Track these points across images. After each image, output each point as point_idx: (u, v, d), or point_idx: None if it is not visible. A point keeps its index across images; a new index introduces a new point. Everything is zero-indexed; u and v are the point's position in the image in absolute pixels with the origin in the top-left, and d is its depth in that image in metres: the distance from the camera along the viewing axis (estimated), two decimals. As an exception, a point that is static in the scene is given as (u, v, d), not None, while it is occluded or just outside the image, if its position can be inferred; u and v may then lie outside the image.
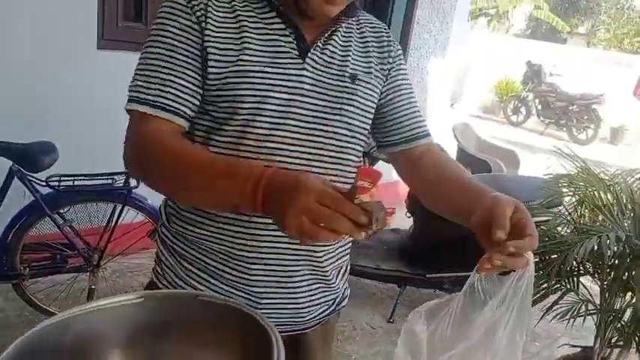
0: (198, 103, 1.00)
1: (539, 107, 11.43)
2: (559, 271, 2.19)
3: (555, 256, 2.15)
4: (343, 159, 1.07)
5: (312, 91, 1.03)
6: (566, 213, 2.65)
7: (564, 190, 2.70)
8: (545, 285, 2.18)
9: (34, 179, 2.41)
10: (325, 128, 1.03)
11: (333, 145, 1.05)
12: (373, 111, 1.12)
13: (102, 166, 2.58)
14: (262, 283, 1.05)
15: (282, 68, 1.00)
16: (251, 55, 0.98)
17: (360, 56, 1.11)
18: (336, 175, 1.06)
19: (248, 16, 1.00)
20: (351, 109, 1.06)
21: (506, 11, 23.09)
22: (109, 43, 3.11)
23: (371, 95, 1.10)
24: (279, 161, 0.99)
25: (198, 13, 0.97)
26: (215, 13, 0.98)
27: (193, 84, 0.98)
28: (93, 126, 3.01)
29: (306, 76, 1.02)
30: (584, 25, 31.68)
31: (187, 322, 0.82)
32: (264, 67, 0.98)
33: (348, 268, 1.26)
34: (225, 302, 0.84)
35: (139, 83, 0.97)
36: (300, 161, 1.01)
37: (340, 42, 1.09)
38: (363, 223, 0.75)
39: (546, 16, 22.22)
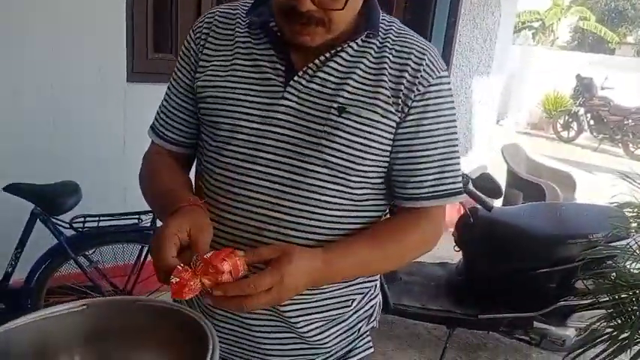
0: (190, 129, 1.07)
1: (592, 122, 10.89)
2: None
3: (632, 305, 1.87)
4: (319, 200, 0.94)
5: (289, 122, 0.93)
6: (637, 248, 2.36)
7: (634, 222, 2.42)
8: (623, 336, 1.90)
9: (57, 221, 2.31)
10: (299, 164, 0.93)
11: (308, 184, 0.93)
12: (373, 150, 0.94)
13: (128, 205, 2.47)
14: (224, 320, 1.02)
15: (259, 97, 0.95)
16: (233, 82, 0.97)
17: (366, 85, 0.94)
18: (309, 218, 0.94)
19: (243, 42, 0.99)
20: (332, 145, 0.92)
21: (551, 24, 22.54)
22: (138, 75, 3.02)
23: (366, 132, 0.93)
24: (246, 195, 0.94)
25: (200, 42, 1.02)
26: (214, 40, 1.02)
27: (185, 112, 1.06)
28: (120, 163, 2.91)
29: (285, 106, 0.94)
30: (633, 35, 30.76)
31: (129, 325, 0.86)
32: (242, 94, 0.95)
33: (353, 329, 1.10)
34: (162, 305, 0.86)
35: (157, 110, 1.11)
36: (268, 198, 0.94)
37: (341, 67, 0.95)
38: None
39: (593, 27, 21.59)
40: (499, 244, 2.83)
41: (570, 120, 11.21)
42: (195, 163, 1.12)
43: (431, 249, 1.05)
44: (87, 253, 2.41)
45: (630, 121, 10.09)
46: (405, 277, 3.05)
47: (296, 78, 0.94)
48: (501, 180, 3.41)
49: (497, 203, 3.86)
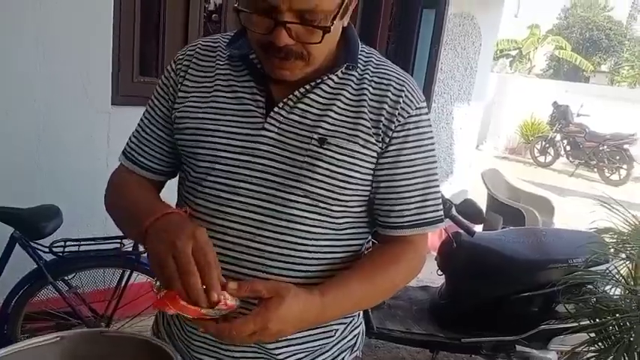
0: (162, 156, 1.07)
1: (568, 148, 11.16)
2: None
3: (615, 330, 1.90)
4: (301, 230, 0.94)
5: (270, 152, 0.94)
6: (616, 273, 2.40)
7: (612, 247, 2.47)
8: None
9: (37, 246, 2.26)
10: (280, 194, 0.93)
11: (289, 214, 0.93)
12: (354, 180, 0.95)
13: (109, 229, 2.44)
14: (204, 352, 1.02)
15: (240, 127, 0.95)
16: (212, 114, 0.97)
17: (346, 116, 0.95)
18: (290, 249, 0.94)
19: (224, 75, 1.00)
20: (313, 175, 0.92)
21: (527, 52, 23.13)
22: (123, 98, 3.01)
23: (347, 162, 0.93)
24: (227, 227, 0.94)
25: (180, 73, 1.03)
26: (195, 72, 1.02)
27: (159, 140, 1.06)
28: (101, 187, 2.87)
29: (265, 137, 0.94)
30: (607, 63, 31.77)
31: (100, 354, 0.90)
32: (222, 125, 0.96)
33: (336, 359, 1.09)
34: (127, 335, 0.92)
35: (130, 135, 1.11)
36: (248, 228, 0.94)
37: (321, 99, 0.95)
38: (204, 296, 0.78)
39: (569, 56, 22.20)
40: (481, 268, 2.85)
41: (547, 145, 11.45)
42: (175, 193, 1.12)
43: (416, 275, 1.06)
44: (66, 277, 2.36)
45: (605, 147, 10.34)
46: (388, 300, 3.04)
47: (276, 109, 0.95)
48: (481, 204, 3.44)
49: (478, 227, 3.90)
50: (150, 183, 1.10)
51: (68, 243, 2.29)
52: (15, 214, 2.18)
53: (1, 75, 2.52)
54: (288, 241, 0.94)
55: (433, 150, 1.00)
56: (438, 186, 1.02)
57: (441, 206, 1.03)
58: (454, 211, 2.65)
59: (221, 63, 1.01)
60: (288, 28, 0.84)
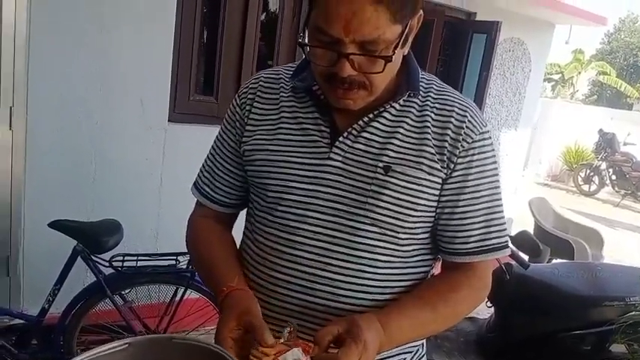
0: (236, 190, 1.10)
1: (614, 177, 10.83)
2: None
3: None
4: (370, 258, 0.95)
5: (337, 181, 0.95)
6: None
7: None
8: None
9: (97, 260, 2.32)
10: (348, 223, 0.94)
11: (357, 242, 0.94)
12: (420, 207, 0.95)
13: (160, 244, 2.48)
14: None
15: (307, 158, 0.97)
16: (280, 145, 0.99)
17: (410, 143, 0.95)
18: (359, 277, 0.95)
19: (288, 107, 1.02)
20: (380, 203, 0.93)
21: (570, 77, 22.70)
22: (179, 116, 3.08)
23: (412, 190, 0.94)
24: (298, 255, 0.96)
25: (246, 107, 1.06)
26: (260, 105, 1.05)
27: (230, 174, 1.09)
28: (155, 202, 2.94)
29: (332, 166, 0.96)
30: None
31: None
32: (290, 156, 0.98)
33: None
34: (195, 343, 0.91)
35: (201, 169, 1.14)
36: (317, 257, 0.95)
37: (384, 127, 0.97)
38: None
39: (613, 82, 21.71)
40: (534, 302, 2.78)
41: (592, 174, 11.15)
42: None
43: (480, 303, 1.05)
44: (123, 292, 2.41)
45: (653, 178, 10.02)
46: (436, 331, 2.98)
47: (341, 139, 0.96)
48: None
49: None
50: (224, 221, 1.14)
51: (127, 258, 2.33)
52: (79, 227, 2.24)
53: (60, 91, 2.60)
54: (356, 270, 0.95)
55: (497, 175, 1.00)
56: (502, 211, 1.01)
57: (506, 232, 1.02)
58: (509, 243, 2.60)
59: (285, 95, 1.03)
60: (350, 59, 0.85)
